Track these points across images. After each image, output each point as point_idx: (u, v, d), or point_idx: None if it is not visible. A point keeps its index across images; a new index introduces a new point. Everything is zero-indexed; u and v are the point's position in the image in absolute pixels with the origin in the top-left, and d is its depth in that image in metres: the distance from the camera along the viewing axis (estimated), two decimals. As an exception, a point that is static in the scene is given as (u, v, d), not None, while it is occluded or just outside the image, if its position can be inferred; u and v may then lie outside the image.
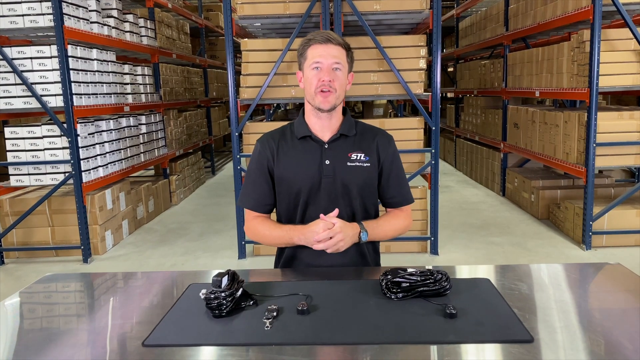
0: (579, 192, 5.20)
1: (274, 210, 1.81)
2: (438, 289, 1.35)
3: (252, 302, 1.32)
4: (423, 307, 1.30)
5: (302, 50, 1.67)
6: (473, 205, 6.07)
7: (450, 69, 10.04)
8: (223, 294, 1.25)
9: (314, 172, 1.68)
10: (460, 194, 6.70)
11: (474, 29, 7.54)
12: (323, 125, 1.71)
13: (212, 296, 1.25)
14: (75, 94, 4.24)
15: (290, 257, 1.76)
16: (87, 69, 4.45)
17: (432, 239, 4.35)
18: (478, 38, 7.31)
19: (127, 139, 5.24)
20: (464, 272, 1.66)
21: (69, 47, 4.17)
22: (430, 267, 1.44)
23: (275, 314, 1.25)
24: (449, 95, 10.16)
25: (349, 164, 1.69)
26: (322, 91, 1.62)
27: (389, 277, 1.36)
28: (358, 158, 1.70)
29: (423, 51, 4.16)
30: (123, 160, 5.12)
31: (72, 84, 4.19)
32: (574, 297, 1.44)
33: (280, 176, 1.71)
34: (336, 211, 1.61)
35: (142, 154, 5.59)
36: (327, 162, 1.68)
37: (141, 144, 5.60)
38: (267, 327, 1.20)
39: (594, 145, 4.24)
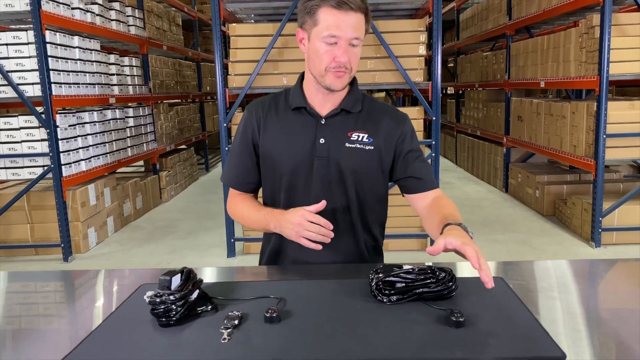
0: (586, 187, 4.95)
1: (260, 189, 1.53)
2: (441, 291, 1.09)
3: (210, 307, 1.07)
4: (422, 313, 1.04)
5: (310, 7, 1.32)
6: (475, 202, 5.82)
7: (451, 64, 9.78)
8: (172, 297, 1.00)
9: (304, 151, 1.40)
10: (462, 191, 6.45)
11: (475, 20, 7.28)
12: (324, 97, 1.41)
13: (158, 300, 1.00)
14: (55, 83, 3.98)
15: (275, 251, 1.48)
16: (67, 57, 4.20)
17: (433, 236, 4.10)
18: (479, 29, 7.05)
19: (112, 132, 4.98)
20: (470, 270, 1.41)
21: (47, 33, 3.92)
22: (431, 264, 1.19)
23: (236, 322, 0.99)
24: (450, 91, 9.90)
25: (347, 144, 1.40)
26: (335, 71, 1.32)
27: (380, 275, 1.11)
28: (359, 139, 1.40)
29: (423, 37, 3.91)
30: (108, 154, 4.86)
31: (51, 72, 3.94)
32: (608, 300, 1.19)
33: (265, 152, 1.43)
34: (323, 203, 1.29)
35: (129, 148, 5.34)
36: (322, 140, 1.39)
37: (128, 137, 5.34)
38: (225, 338, 0.95)
39: (604, 136, 3.98)
